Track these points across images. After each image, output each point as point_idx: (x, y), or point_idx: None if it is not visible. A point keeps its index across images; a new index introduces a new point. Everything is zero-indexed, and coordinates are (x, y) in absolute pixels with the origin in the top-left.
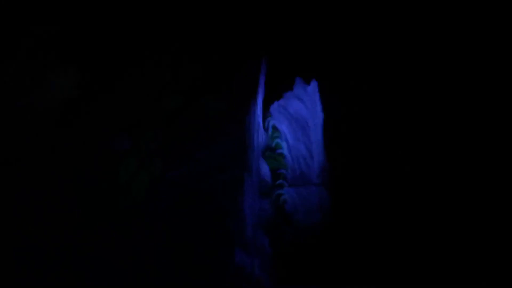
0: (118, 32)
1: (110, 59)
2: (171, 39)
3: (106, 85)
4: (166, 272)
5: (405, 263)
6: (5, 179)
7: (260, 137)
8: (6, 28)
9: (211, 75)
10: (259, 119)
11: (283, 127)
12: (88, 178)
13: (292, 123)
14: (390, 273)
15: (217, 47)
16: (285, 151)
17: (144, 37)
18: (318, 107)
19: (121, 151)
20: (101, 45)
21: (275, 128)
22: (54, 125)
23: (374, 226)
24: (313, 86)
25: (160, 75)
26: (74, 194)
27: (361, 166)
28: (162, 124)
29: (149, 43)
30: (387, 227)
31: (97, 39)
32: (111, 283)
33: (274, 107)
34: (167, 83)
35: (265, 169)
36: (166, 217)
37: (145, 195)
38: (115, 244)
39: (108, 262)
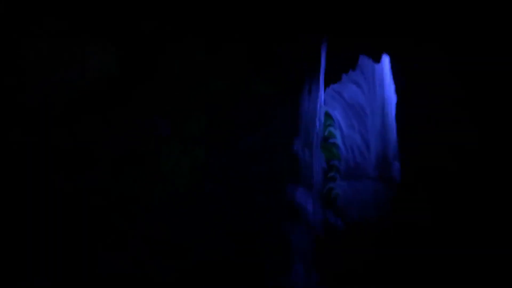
0: (161, 8)
1: (153, 36)
2: (217, 13)
3: (147, 65)
4: (208, 266)
5: (469, 270)
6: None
7: (317, 125)
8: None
9: (261, 55)
10: (318, 104)
11: (337, 115)
12: (126, 164)
13: (347, 110)
14: (450, 279)
15: (268, 21)
16: (338, 140)
17: (187, 12)
18: (378, 92)
19: (162, 136)
20: (143, 22)
21: (328, 115)
22: (90, 105)
23: (437, 229)
24: (379, 67)
25: (205, 55)
26: (113, 179)
27: (431, 162)
28: (205, 108)
29: (193, 19)
30: (451, 231)
31: (139, 15)
32: (156, 275)
33: (328, 92)
34: (211, 63)
35: (318, 160)
36: (209, 207)
37: (187, 182)
38: (154, 233)
39: (147, 252)
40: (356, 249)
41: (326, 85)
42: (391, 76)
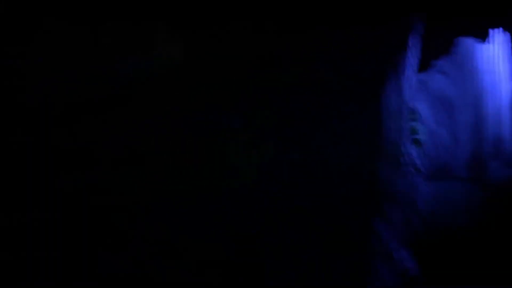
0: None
1: (222, 24)
2: None
3: (215, 55)
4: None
5: None
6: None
7: (403, 120)
8: None
9: (336, 42)
10: (401, 97)
11: (422, 108)
12: (192, 157)
13: (434, 104)
14: None
15: (344, 4)
16: (422, 137)
17: None
18: (472, 82)
19: (231, 129)
20: (211, 10)
21: (411, 109)
22: (156, 95)
23: None
24: (474, 52)
25: (275, 44)
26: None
27: None
28: (276, 101)
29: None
30: None
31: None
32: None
33: (412, 83)
34: (281, 53)
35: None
36: (278, 204)
37: (255, 179)
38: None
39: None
40: (447, 258)
41: (411, 75)
42: (500, 62)
